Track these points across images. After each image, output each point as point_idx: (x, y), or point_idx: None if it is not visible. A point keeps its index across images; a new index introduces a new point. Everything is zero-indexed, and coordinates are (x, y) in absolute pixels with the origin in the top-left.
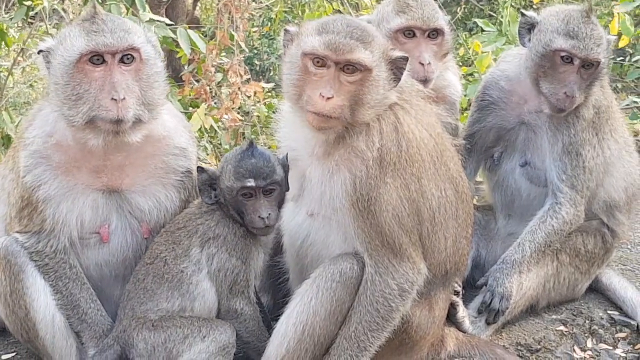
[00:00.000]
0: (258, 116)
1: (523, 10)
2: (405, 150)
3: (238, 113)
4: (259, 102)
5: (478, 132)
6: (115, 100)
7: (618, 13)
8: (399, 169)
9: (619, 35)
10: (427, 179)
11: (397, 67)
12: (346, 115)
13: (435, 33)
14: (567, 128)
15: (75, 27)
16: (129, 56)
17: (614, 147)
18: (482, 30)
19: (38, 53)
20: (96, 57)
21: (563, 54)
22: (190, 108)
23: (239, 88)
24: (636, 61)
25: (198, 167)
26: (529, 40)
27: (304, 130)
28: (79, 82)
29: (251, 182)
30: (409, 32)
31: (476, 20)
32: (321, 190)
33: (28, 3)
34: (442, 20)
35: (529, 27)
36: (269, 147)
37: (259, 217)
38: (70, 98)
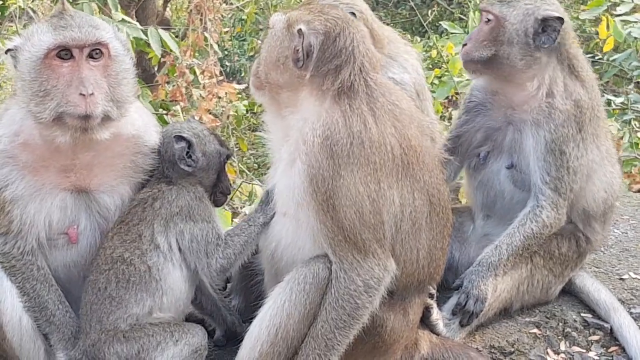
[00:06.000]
0: (235, 115)
1: None
2: (357, 146)
3: (211, 114)
4: (231, 102)
5: (465, 133)
6: (84, 95)
7: (607, 17)
8: (354, 164)
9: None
10: (388, 184)
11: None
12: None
13: None
14: (547, 122)
15: (42, 23)
16: (97, 51)
17: (596, 152)
18: (450, 34)
19: (6, 52)
20: (64, 52)
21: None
22: (161, 109)
23: (216, 91)
24: (614, 60)
25: (175, 135)
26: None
27: (274, 118)
28: (47, 78)
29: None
30: None
31: (442, 22)
32: (284, 183)
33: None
34: None
35: None
36: (239, 148)
37: (230, 183)
38: (37, 94)
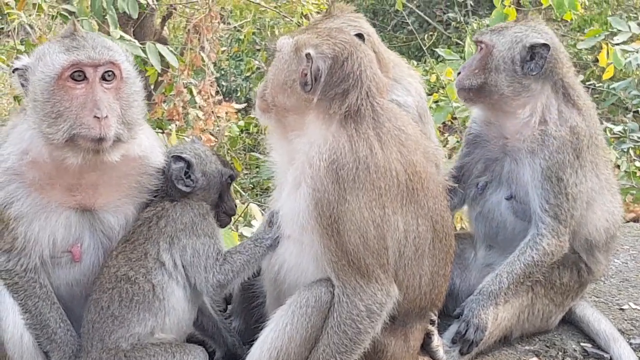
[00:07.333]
0: (229, 136)
1: None
2: (363, 171)
3: (211, 134)
4: (229, 120)
5: (467, 164)
6: (98, 118)
7: (607, 44)
8: (359, 189)
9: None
10: (393, 210)
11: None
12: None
13: None
14: (541, 149)
15: (54, 44)
16: (110, 73)
17: (595, 180)
18: (444, 60)
19: (13, 72)
20: (78, 73)
21: None
22: (158, 128)
23: (212, 111)
24: (613, 89)
25: (174, 155)
26: None
27: (279, 141)
28: (60, 100)
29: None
30: None
31: (436, 49)
32: (289, 206)
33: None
34: None
35: None
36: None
37: (235, 204)
38: (50, 115)
